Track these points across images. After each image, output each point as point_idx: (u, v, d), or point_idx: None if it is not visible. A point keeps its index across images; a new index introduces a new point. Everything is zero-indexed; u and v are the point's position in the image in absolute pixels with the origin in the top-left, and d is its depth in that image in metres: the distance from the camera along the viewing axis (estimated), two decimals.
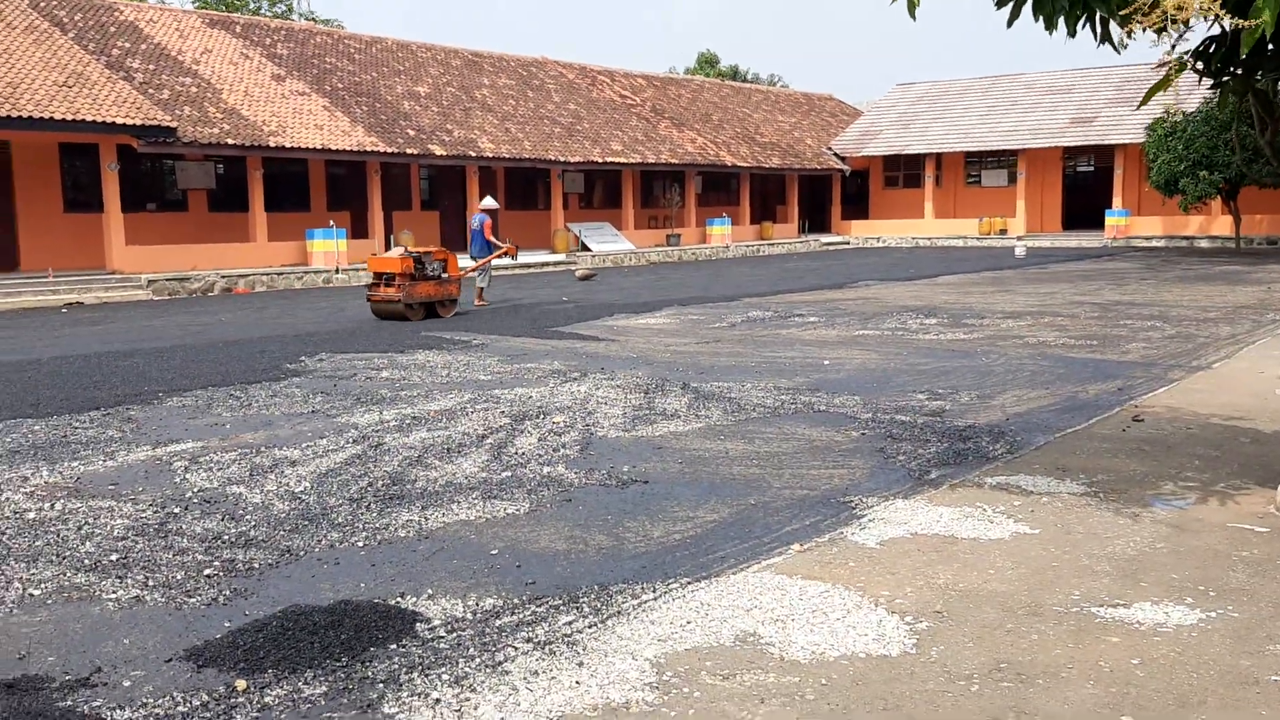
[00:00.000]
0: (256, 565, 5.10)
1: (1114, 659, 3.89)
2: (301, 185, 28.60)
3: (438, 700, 3.63)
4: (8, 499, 6.29)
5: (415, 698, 3.65)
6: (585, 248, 32.97)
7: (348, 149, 26.15)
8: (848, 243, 42.71)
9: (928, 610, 4.41)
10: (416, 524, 5.75)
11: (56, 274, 21.81)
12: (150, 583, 4.86)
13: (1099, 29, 5.85)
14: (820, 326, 14.83)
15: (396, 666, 3.91)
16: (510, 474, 6.78)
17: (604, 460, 7.13)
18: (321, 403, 9.35)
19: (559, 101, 36.21)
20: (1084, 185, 42.36)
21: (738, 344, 13.08)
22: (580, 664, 3.89)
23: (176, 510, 6.02)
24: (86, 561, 5.16)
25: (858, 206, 45.43)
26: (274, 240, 25.76)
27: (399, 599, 4.60)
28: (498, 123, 31.91)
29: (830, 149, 44.02)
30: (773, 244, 39.14)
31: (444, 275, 17.38)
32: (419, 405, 9.14)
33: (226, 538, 5.52)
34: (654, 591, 4.63)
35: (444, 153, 28.25)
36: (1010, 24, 5.90)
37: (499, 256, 19.65)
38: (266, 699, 3.68)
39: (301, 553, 5.29)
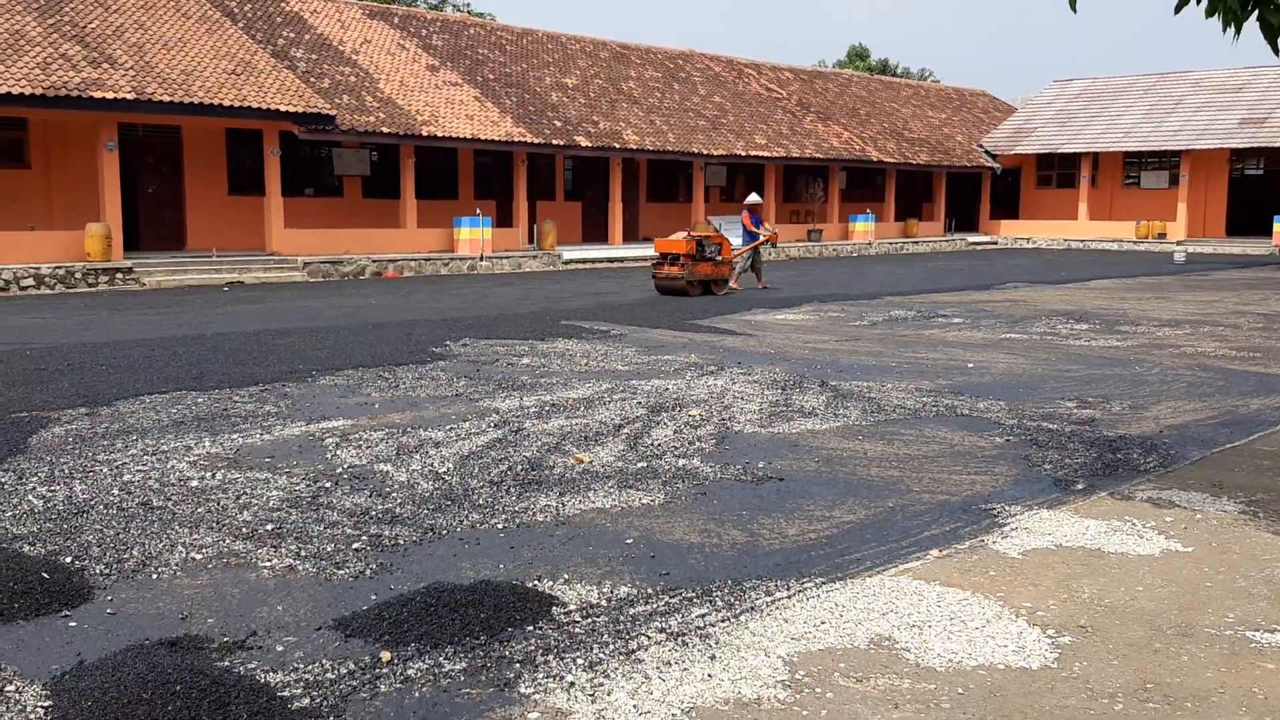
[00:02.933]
0: (401, 541, 5.27)
1: (1270, 686, 3.72)
2: (450, 173, 29.30)
3: (572, 684, 3.70)
4: (173, 467, 6.63)
5: (550, 679, 3.73)
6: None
7: (496, 139, 26.67)
8: (996, 243, 41.62)
9: (1071, 624, 4.29)
10: (554, 509, 5.85)
11: (220, 254, 22.85)
12: (302, 553, 5.07)
13: (1275, 38, 5.58)
14: (965, 328, 14.50)
15: (533, 648, 4.00)
16: (646, 465, 6.84)
17: (739, 455, 7.13)
18: (465, 387, 9.59)
19: (704, 94, 36.20)
20: (1251, 189, 40.32)
21: (878, 343, 12.90)
22: (713, 657, 3.92)
23: (327, 485, 6.26)
24: (244, 530, 5.41)
25: (1007, 206, 44.21)
26: (423, 227, 26.46)
27: (536, 582, 4.70)
28: (643, 115, 32.10)
29: (981, 146, 42.94)
30: (917, 242, 38.42)
31: (719, 258, 19.43)
32: (558, 393, 9.29)
33: (374, 514, 5.72)
34: (788, 589, 4.62)
35: (589, 144, 28.56)
36: (1178, 9, 5.66)
37: (762, 243, 21.23)
38: (409, 671, 3.80)
39: (444, 531, 5.44)
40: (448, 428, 7.85)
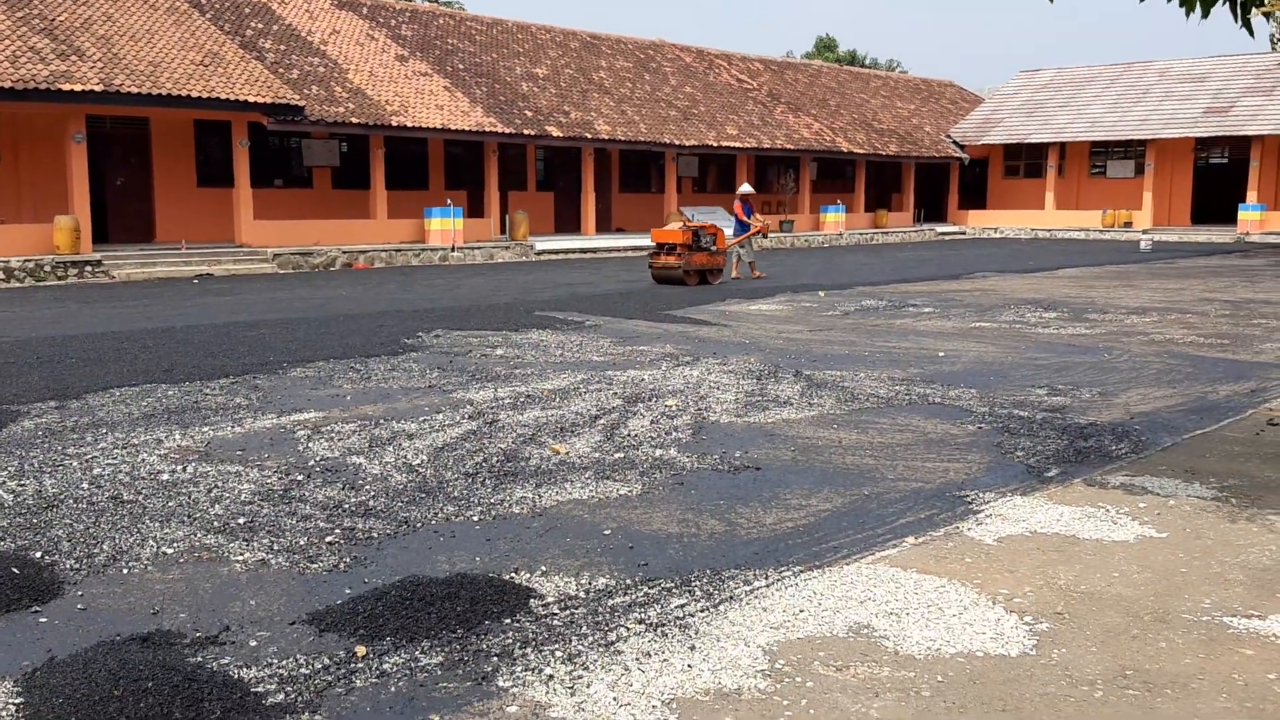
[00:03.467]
0: (375, 535, 5.23)
1: (1249, 672, 3.75)
2: (421, 164, 29.13)
3: (551, 676, 3.67)
4: (143, 460, 6.55)
5: (529, 672, 3.70)
6: None
7: (467, 129, 26.53)
8: (964, 233, 41.84)
9: (1048, 611, 4.30)
10: (530, 501, 5.82)
11: (189, 246, 22.62)
12: (275, 547, 5.02)
13: (1238, 11, 5.62)
14: (935, 317, 14.56)
15: (510, 641, 3.97)
16: (623, 455, 6.81)
17: (716, 445, 7.12)
18: (438, 378, 9.53)
19: (675, 85, 36.16)
20: (1216, 178, 40.72)
21: (850, 332, 12.93)
22: (692, 647, 3.90)
23: (300, 478, 6.20)
24: (216, 524, 5.35)
25: (975, 196, 44.46)
26: (393, 217, 26.30)
27: (513, 574, 4.67)
28: (614, 105, 32.02)
29: (949, 137, 43.14)
30: (887, 232, 38.56)
31: (714, 248, 19.78)
32: (533, 384, 9.25)
33: (347, 506, 5.67)
34: (766, 578, 4.61)
35: (561, 134, 28.47)
36: None
37: (754, 234, 21.41)
38: (385, 666, 3.77)
39: (419, 524, 5.40)
40: (421, 419, 7.80)
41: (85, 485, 5.99)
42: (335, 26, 28.67)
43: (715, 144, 32.76)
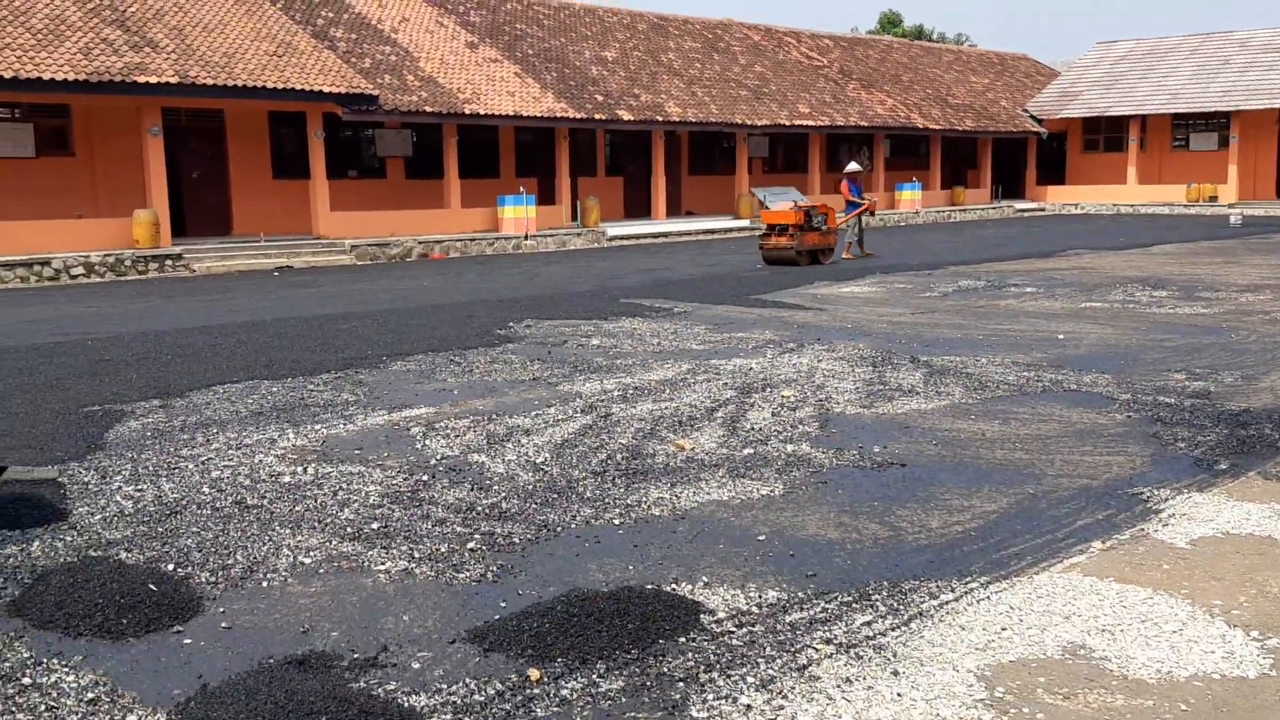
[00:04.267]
0: (516, 540, 4.94)
1: None
2: (491, 152, 28.93)
3: (748, 706, 3.34)
4: (260, 461, 6.34)
5: (722, 701, 3.38)
6: None
7: (539, 115, 26.27)
8: (1043, 209, 40.82)
9: (1273, 625, 3.89)
10: (669, 502, 5.50)
11: (267, 238, 22.62)
12: (416, 554, 4.75)
13: None
14: (1040, 297, 14.01)
15: (692, 663, 3.65)
16: (752, 451, 6.47)
17: (849, 439, 6.74)
18: (540, 370, 9.25)
19: (745, 64, 35.60)
20: None
21: (956, 314, 12.45)
22: (895, 673, 3.55)
23: (424, 478, 5.94)
24: (349, 529, 5.10)
25: (1053, 171, 43.32)
26: (466, 207, 26.13)
27: (675, 585, 4.35)
28: (684, 86, 31.57)
29: (1025, 111, 42.07)
30: (964, 210, 37.73)
31: (825, 228, 19.76)
32: (638, 375, 8.93)
33: (480, 509, 5.39)
34: (952, 591, 4.25)
35: (632, 117, 28.11)
36: None
37: (862, 213, 21.27)
38: (563, 691, 3.47)
39: (559, 528, 5.10)
40: (533, 414, 7.52)
41: (206, 489, 5.78)
42: (404, 14, 28.52)
43: (787, 123, 32.20)
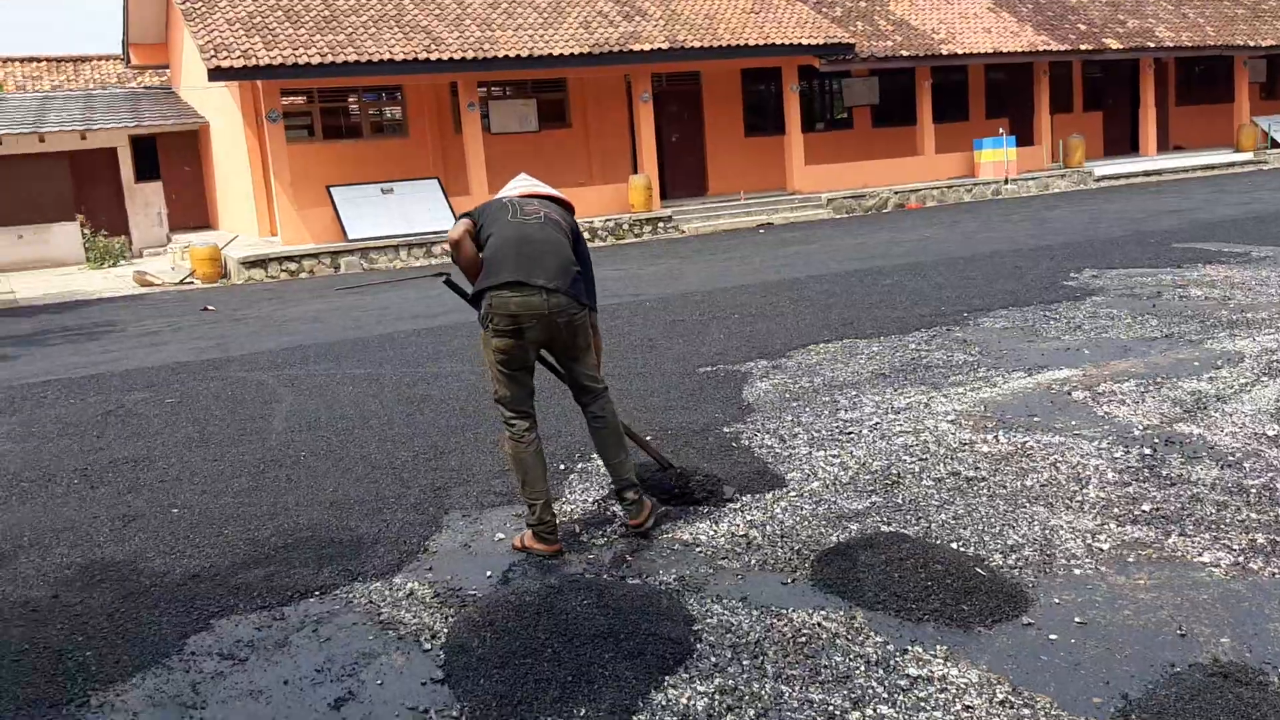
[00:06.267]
0: None
1: None
2: (960, 93, 27.57)
3: None
4: (934, 426, 5.94)
5: None
6: (1275, 144, 28.65)
7: (1018, 50, 24.65)
8: None
9: None
10: None
11: (747, 196, 22.86)
12: (1228, 544, 4.10)
13: None
14: None
15: None
16: None
17: None
18: (1161, 326, 8.28)
19: None
20: None
21: None
22: None
23: (1145, 451, 5.27)
24: (1116, 510, 4.54)
25: None
26: (938, 153, 25.07)
27: None
28: (1173, 8, 28.47)
29: None
30: None
31: None
32: None
33: (1251, 491, 4.65)
34: None
35: (1120, 46, 25.70)
36: None
37: None
38: None
39: None
40: (1204, 377, 6.62)
41: (906, 457, 5.46)
42: None
43: None
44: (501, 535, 4.81)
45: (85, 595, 4.41)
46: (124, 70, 29.45)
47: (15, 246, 23.41)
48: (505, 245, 4.41)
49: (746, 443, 5.94)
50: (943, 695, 3.20)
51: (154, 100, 26.25)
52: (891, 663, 3.40)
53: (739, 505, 4.93)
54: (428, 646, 3.76)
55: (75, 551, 4.96)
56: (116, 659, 3.82)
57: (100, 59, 30.87)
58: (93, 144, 24.13)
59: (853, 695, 3.23)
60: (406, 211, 19.56)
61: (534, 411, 4.60)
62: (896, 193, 23.27)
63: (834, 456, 5.56)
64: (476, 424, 6.83)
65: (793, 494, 5.04)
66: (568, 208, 4.81)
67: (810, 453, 5.66)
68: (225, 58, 17.48)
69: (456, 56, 19.10)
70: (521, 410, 4.52)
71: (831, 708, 3.17)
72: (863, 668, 3.39)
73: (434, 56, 18.94)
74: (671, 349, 8.86)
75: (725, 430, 6.22)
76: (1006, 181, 24.07)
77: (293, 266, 18.23)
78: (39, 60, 30.26)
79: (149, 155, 24.89)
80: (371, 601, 4.20)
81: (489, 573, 4.40)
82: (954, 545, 4.26)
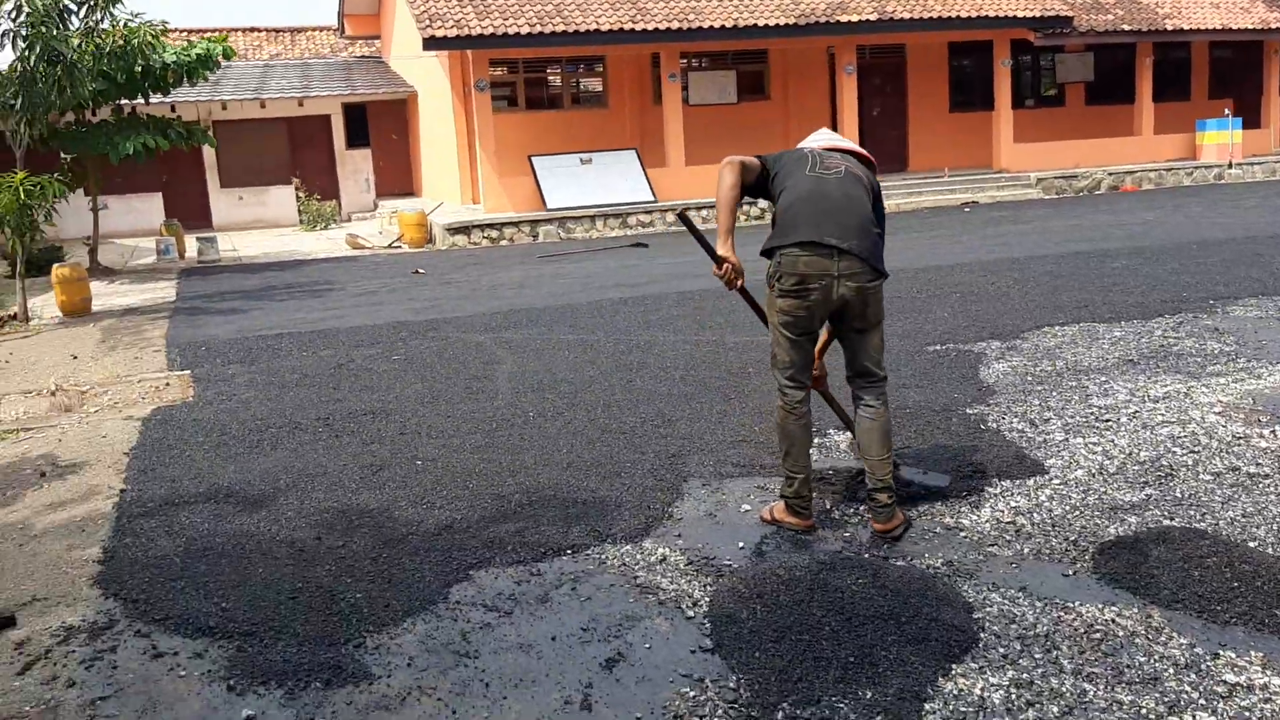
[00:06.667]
0: None
1: None
2: (1182, 72, 25.99)
3: None
4: (1201, 419, 5.54)
5: None
6: None
7: (1249, 27, 23.04)
8: None
9: None
10: None
11: (951, 173, 22.14)
12: None
13: None
14: None
15: None
16: None
17: None
18: None
19: None
20: None
21: None
22: None
23: None
24: None
25: None
26: (1156, 133, 23.71)
27: None
28: None
29: None
30: None
31: None
32: None
33: None
34: None
35: None
36: None
37: None
38: None
39: None
40: None
41: (1176, 449, 5.09)
42: None
43: None
44: (748, 507, 4.70)
45: (346, 539, 4.52)
46: (336, 40, 30.61)
47: (235, 208, 24.69)
48: (799, 202, 4.25)
49: (995, 425, 5.67)
50: (1267, 706, 2.93)
51: (365, 69, 27.21)
52: (1203, 667, 3.15)
53: (998, 491, 4.69)
54: (690, 614, 3.69)
55: (330, 496, 5.11)
56: (386, 603, 3.89)
57: (315, 29, 32.16)
58: (309, 110, 25.19)
59: (1166, 699, 2.99)
60: (604, 182, 19.68)
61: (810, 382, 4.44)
62: (1111, 174, 22.12)
63: (1094, 444, 5.24)
64: (700, 393, 6.75)
65: (1056, 481, 4.77)
66: (870, 165, 4.61)
67: (1067, 439, 5.36)
68: (440, 27, 17.91)
69: (662, 27, 19.07)
70: (800, 380, 4.36)
71: (1144, 710, 2.95)
72: (1171, 670, 3.14)
73: (639, 27, 18.96)
74: (894, 325, 8.57)
75: (968, 411, 5.96)
76: (1231, 165, 22.58)
77: (494, 234, 18.60)
78: (259, 30, 31.72)
79: (359, 123, 25.83)
80: (625, 564, 4.16)
81: (740, 544, 4.31)
82: (1251, 545, 3.93)
